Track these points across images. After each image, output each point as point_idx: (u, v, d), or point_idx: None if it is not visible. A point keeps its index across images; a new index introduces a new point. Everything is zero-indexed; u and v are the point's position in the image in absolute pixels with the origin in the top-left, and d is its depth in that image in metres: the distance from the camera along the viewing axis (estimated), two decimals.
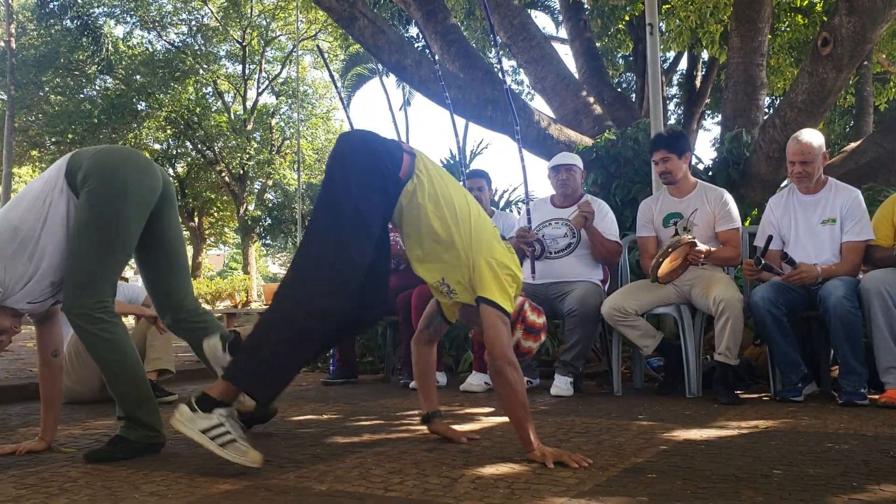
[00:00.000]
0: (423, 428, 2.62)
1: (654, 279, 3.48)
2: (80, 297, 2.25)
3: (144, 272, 2.53)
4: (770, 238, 3.43)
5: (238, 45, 22.91)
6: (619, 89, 10.88)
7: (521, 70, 8.08)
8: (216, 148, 22.57)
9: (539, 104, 8.53)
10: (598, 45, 9.39)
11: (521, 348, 2.28)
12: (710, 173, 5.53)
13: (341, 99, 6.45)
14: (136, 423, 2.31)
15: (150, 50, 22.45)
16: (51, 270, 2.30)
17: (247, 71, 23.56)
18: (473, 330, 4.03)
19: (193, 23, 22.81)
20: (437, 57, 5.93)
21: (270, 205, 23.95)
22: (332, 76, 6.74)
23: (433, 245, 2.24)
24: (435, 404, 2.57)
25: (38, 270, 2.28)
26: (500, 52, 5.05)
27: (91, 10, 20.41)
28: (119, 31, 23.54)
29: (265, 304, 13.12)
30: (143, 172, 2.34)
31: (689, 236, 3.45)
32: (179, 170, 24.02)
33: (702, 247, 3.46)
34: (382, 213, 2.22)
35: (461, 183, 4.01)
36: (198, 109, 22.12)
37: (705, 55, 10.43)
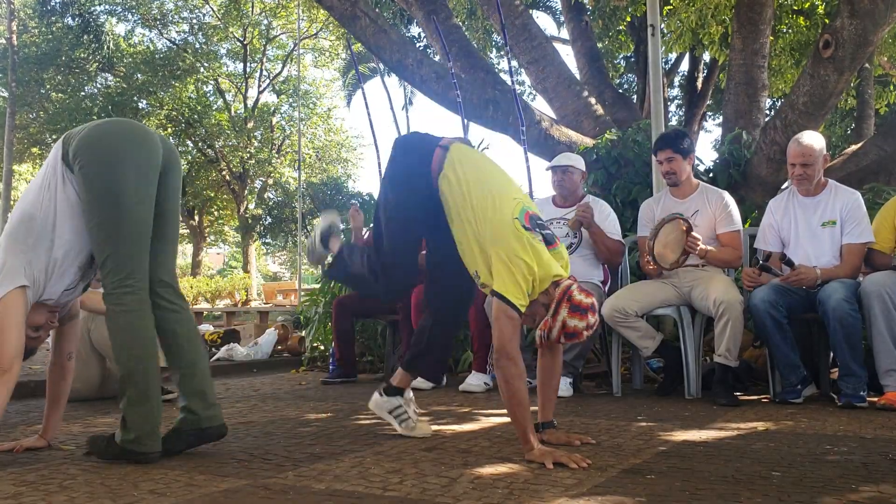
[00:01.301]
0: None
1: (657, 266, 3.47)
2: (105, 278, 2.22)
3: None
4: (770, 255, 3.44)
5: (239, 44, 22.91)
6: (620, 90, 10.88)
7: (523, 70, 8.08)
8: (217, 146, 22.57)
9: (540, 104, 8.53)
10: (599, 45, 9.39)
11: (567, 328, 2.17)
12: (711, 174, 5.53)
13: (362, 91, 6.44)
14: (124, 423, 2.19)
15: (151, 48, 22.45)
16: (73, 254, 2.27)
17: (248, 69, 23.57)
18: (473, 330, 4.06)
19: (194, 21, 22.82)
20: (448, 55, 5.92)
21: (271, 203, 23.96)
22: (356, 68, 6.78)
23: (461, 237, 2.35)
24: (549, 414, 2.45)
25: (61, 257, 2.26)
26: (501, 53, 5.03)
27: (92, 8, 20.41)
28: (120, 28, 23.55)
29: (265, 303, 13.13)
30: (138, 141, 2.27)
31: (677, 215, 3.46)
32: None
33: (697, 234, 3.47)
34: (424, 206, 2.41)
35: None
36: (198, 108, 22.12)
37: (707, 56, 10.43)
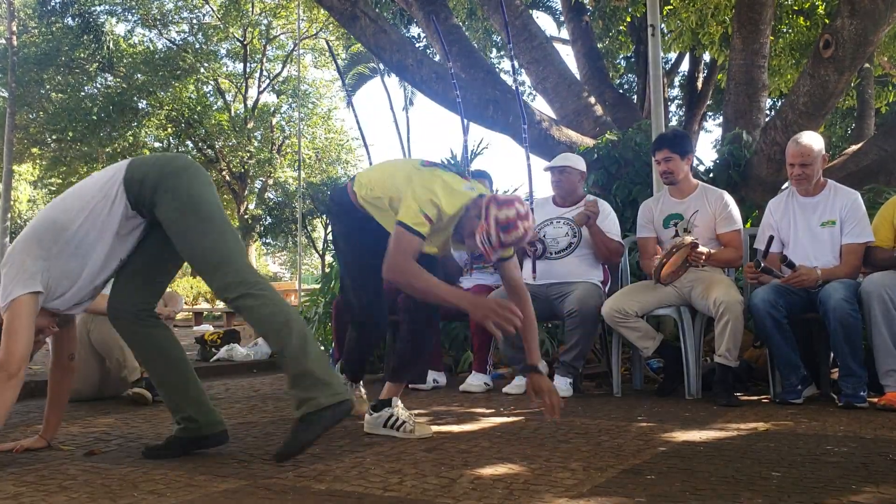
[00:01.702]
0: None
1: (657, 281, 3.48)
2: (227, 283, 2.21)
3: (143, 257, 2.40)
4: (771, 238, 3.43)
5: (239, 44, 22.91)
6: (620, 90, 10.88)
7: (523, 70, 8.08)
8: (217, 146, 22.56)
9: (540, 105, 8.53)
10: (599, 46, 9.38)
11: (500, 220, 2.32)
12: (711, 175, 5.53)
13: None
14: (308, 387, 2.18)
15: (151, 48, 22.43)
16: (95, 274, 2.29)
17: (248, 69, 23.56)
18: (473, 329, 4.05)
19: (194, 21, 22.81)
20: (448, 55, 5.93)
21: (271, 204, 23.93)
22: (339, 71, 6.77)
23: (391, 224, 2.49)
24: (535, 358, 2.61)
25: (86, 274, 2.27)
26: (502, 53, 5.04)
27: (92, 8, 20.40)
28: (120, 29, 23.52)
29: None
30: (202, 171, 2.39)
31: (691, 238, 3.45)
32: None
33: (702, 248, 3.47)
34: (363, 241, 2.67)
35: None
36: (198, 108, 22.10)
37: (707, 57, 10.43)
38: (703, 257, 3.45)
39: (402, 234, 2.36)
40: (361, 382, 3.16)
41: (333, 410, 2.15)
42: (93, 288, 2.33)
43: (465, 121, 5.66)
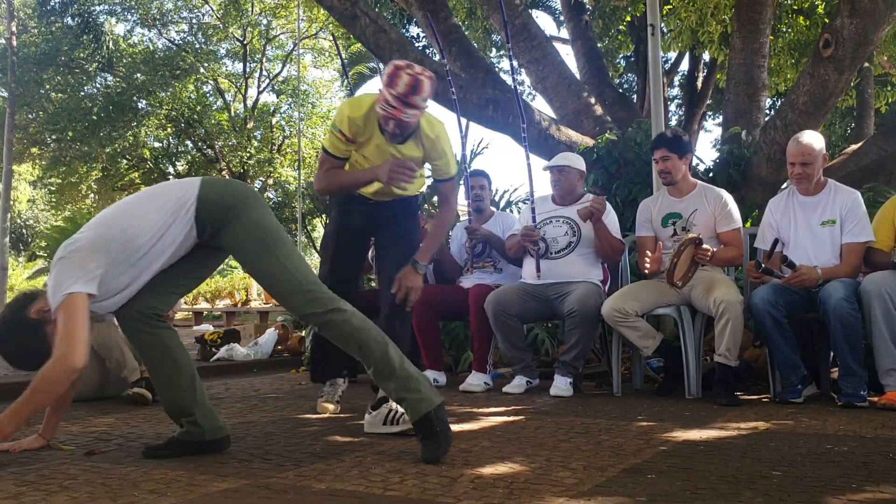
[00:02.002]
0: None
1: (671, 284, 3.46)
2: (311, 299, 2.27)
3: (171, 269, 2.39)
4: (776, 241, 3.42)
5: (239, 44, 22.90)
6: (620, 90, 10.87)
7: (523, 70, 8.08)
8: (217, 146, 22.55)
9: (540, 104, 8.53)
10: (599, 45, 9.38)
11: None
12: (711, 174, 5.53)
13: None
14: (403, 398, 2.21)
15: (151, 48, 22.43)
16: (139, 287, 2.30)
17: (247, 69, 23.55)
18: (474, 329, 4.05)
19: (194, 21, 22.81)
20: (445, 60, 5.92)
21: (271, 203, 23.93)
22: (345, 69, 6.78)
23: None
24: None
25: (134, 286, 2.28)
26: (501, 53, 5.03)
27: (92, 8, 20.39)
28: (120, 28, 23.52)
29: (264, 303, 13.12)
30: (262, 198, 2.49)
31: (693, 234, 3.46)
32: (180, 168, 23.98)
33: (706, 246, 3.47)
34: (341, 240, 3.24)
35: (463, 181, 4.35)
36: (198, 108, 22.09)
37: (707, 56, 10.42)
38: (709, 254, 3.45)
39: (321, 156, 2.95)
40: (329, 382, 3.32)
41: (440, 408, 2.21)
42: (130, 298, 2.33)
43: (462, 120, 5.65)
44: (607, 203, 4.08)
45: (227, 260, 2.64)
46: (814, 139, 3.45)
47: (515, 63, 5.98)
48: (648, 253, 3.61)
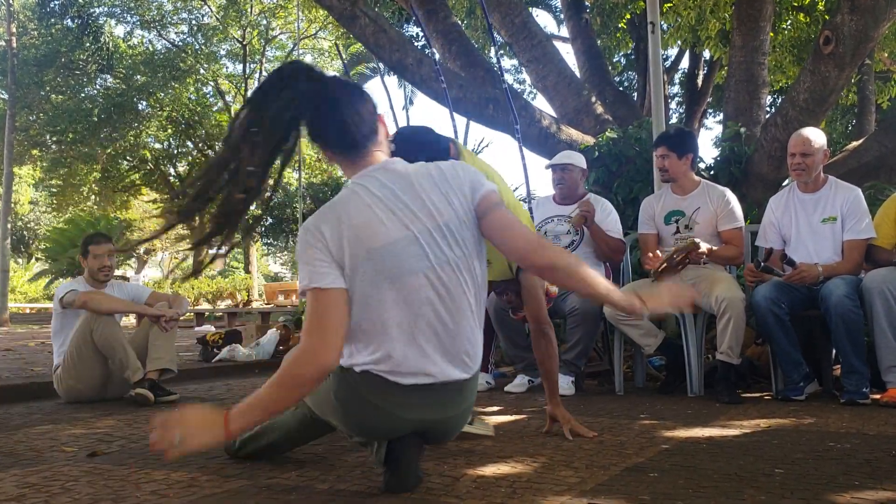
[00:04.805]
0: None
1: (654, 279, 3.47)
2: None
3: None
4: (771, 251, 3.43)
5: (238, 45, 22.91)
6: (620, 88, 10.87)
7: (523, 69, 8.07)
8: (217, 147, 22.57)
9: (541, 103, 8.53)
10: (599, 43, 9.37)
11: None
12: (712, 172, 5.53)
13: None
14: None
15: (151, 49, 22.45)
16: None
17: (247, 70, 23.56)
18: None
19: (193, 22, 22.82)
20: (437, 55, 5.92)
21: (271, 204, 23.92)
22: (346, 69, 6.77)
23: None
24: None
25: None
26: (501, 52, 5.04)
27: (91, 10, 20.42)
28: (119, 30, 23.61)
29: (266, 304, 13.13)
30: None
31: (693, 238, 3.45)
32: (181, 169, 24.03)
33: (704, 246, 3.46)
34: None
35: None
36: (198, 109, 22.13)
37: (707, 54, 10.42)
38: (706, 254, 3.45)
39: None
40: None
41: None
42: None
43: (466, 120, 5.64)
44: (607, 202, 4.08)
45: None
46: (815, 134, 3.46)
47: (516, 62, 5.97)
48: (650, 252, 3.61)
